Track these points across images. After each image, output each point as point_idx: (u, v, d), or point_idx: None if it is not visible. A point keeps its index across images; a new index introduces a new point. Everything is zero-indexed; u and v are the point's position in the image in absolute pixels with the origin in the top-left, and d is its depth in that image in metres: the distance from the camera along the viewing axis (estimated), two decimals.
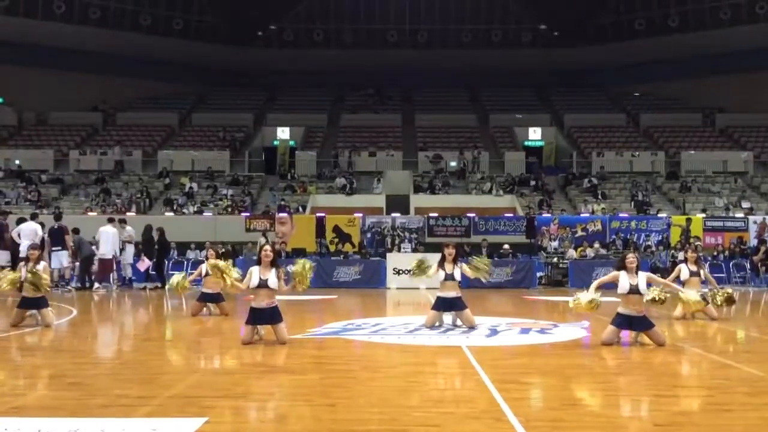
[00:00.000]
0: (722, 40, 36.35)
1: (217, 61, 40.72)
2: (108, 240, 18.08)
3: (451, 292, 9.75)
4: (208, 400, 5.33)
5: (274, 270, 8.27)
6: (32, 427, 4.38)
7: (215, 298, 11.65)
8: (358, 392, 5.68)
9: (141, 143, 34.94)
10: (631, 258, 8.39)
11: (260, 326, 8.30)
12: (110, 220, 19.10)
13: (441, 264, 9.87)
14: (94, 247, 18.51)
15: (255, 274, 8.25)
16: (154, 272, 19.04)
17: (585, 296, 8.36)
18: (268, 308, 8.13)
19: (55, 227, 17.81)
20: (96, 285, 17.83)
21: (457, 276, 9.81)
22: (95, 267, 18.35)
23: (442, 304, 9.81)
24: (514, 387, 5.85)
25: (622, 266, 8.36)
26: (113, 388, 5.77)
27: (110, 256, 18.22)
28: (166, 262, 20.41)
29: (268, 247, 8.57)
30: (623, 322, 8.14)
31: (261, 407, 5.24)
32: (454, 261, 9.88)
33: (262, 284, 8.19)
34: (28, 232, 16.94)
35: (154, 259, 19.11)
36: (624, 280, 8.20)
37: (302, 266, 8.52)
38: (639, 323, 8.14)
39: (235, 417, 4.82)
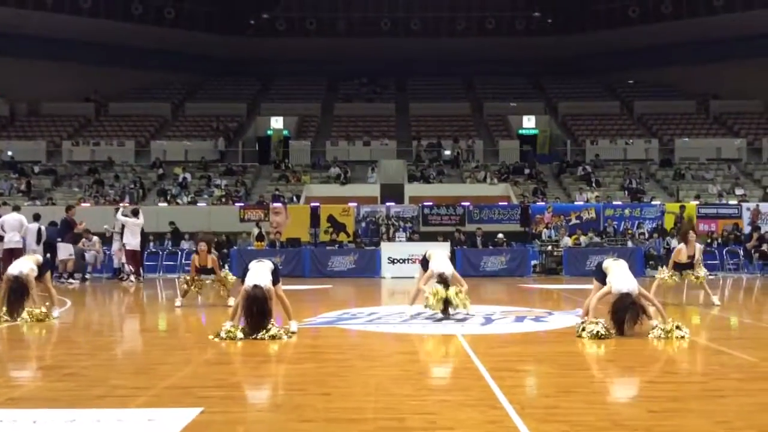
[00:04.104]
0: (716, 27, 36.28)
1: (209, 51, 40.48)
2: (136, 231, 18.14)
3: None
4: (204, 390, 5.34)
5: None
6: (28, 418, 4.38)
7: (211, 272, 11.62)
8: (354, 381, 5.69)
9: (134, 134, 34.80)
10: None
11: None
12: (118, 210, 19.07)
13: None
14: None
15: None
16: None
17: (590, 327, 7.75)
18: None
19: (64, 219, 17.78)
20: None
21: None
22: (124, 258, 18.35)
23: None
24: (509, 375, 5.88)
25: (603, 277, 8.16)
26: (109, 378, 5.77)
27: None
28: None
29: (248, 292, 7.69)
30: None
31: (256, 397, 5.25)
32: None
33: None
34: (12, 224, 16.77)
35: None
36: (616, 287, 7.87)
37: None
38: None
39: (231, 407, 4.82)
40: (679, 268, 11.60)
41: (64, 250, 17.59)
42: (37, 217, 17.81)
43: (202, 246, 11.60)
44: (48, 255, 15.42)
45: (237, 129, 36.11)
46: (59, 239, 17.54)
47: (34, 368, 6.53)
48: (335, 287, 16.63)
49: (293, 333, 7.95)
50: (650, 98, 38.35)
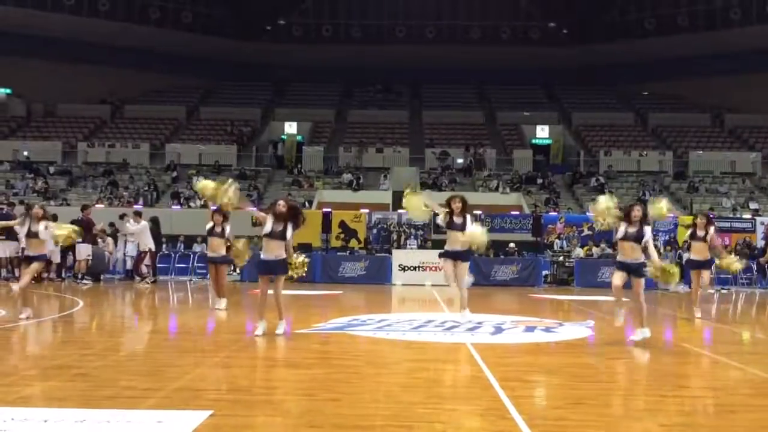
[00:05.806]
0: (732, 40, 36.15)
1: (225, 55, 40.70)
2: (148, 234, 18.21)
3: (457, 246, 9.50)
4: (214, 393, 5.36)
5: (291, 225, 8.21)
6: (39, 417, 4.41)
7: (221, 261, 11.61)
8: (363, 388, 5.69)
9: (149, 136, 35.02)
10: (637, 211, 8.21)
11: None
12: (138, 214, 19.18)
13: (449, 216, 9.53)
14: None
15: (269, 222, 8.20)
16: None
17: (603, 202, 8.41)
18: (275, 260, 8.21)
19: (79, 219, 17.84)
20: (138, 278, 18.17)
21: (468, 225, 9.42)
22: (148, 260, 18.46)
23: (449, 255, 9.61)
24: (519, 385, 5.86)
25: (626, 218, 8.27)
26: (119, 379, 5.80)
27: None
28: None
29: (282, 202, 8.33)
30: (622, 267, 8.31)
31: (265, 401, 5.26)
32: (463, 212, 9.53)
33: (275, 234, 8.17)
34: None
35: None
36: (622, 228, 8.24)
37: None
38: (635, 271, 8.27)
39: (240, 410, 4.84)
40: (695, 266, 11.51)
41: (84, 251, 17.65)
42: (55, 218, 17.88)
43: (218, 218, 11.54)
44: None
45: (251, 134, 36.25)
46: (79, 240, 17.61)
47: (45, 368, 6.56)
48: (345, 293, 16.64)
49: (279, 335, 8.12)
50: (665, 110, 38.23)
